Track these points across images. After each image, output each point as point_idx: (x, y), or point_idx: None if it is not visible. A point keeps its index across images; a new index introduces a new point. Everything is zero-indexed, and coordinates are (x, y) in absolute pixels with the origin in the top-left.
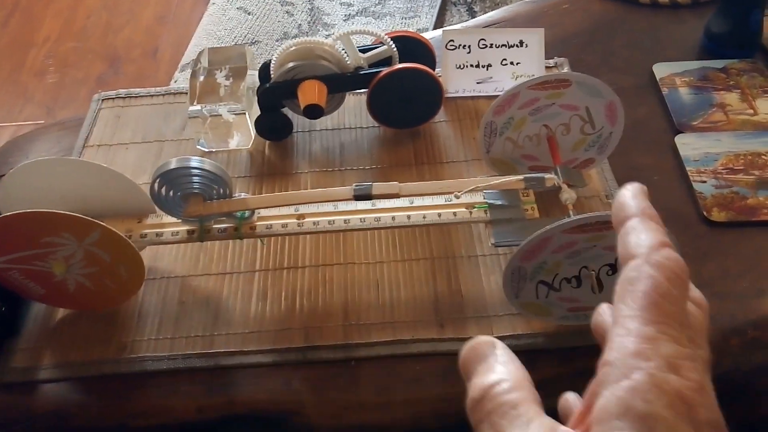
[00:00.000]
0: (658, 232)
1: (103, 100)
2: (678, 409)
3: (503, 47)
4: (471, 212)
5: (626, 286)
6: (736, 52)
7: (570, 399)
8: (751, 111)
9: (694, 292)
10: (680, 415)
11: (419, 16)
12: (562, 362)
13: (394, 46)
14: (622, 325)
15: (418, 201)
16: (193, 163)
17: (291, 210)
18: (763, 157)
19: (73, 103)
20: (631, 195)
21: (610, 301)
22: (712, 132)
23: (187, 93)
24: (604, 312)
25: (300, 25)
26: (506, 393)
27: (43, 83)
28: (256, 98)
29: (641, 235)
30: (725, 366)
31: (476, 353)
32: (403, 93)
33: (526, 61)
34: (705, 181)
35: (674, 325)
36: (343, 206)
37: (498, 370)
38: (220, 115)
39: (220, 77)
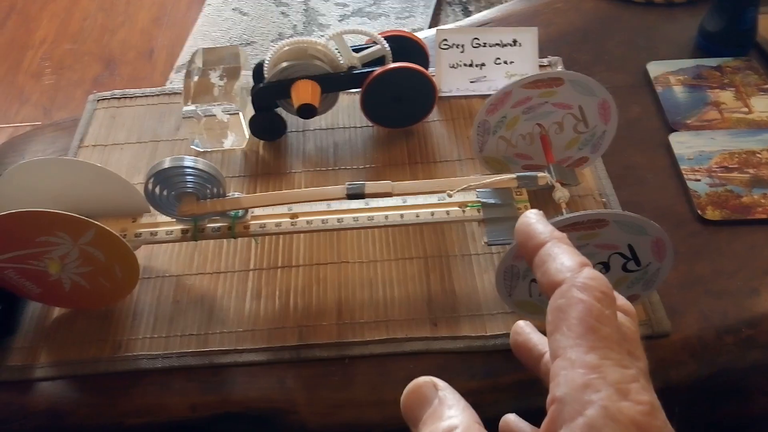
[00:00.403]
0: (574, 253)
1: (98, 100)
2: None
3: (497, 46)
4: (464, 211)
5: (558, 314)
6: (730, 50)
7: (511, 421)
8: (746, 109)
9: (620, 300)
10: None
11: (414, 16)
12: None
13: (387, 45)
14: (564, 356)
15: (411, 200)
16: (187, 163)
17: (284, 209)
18: (757, 155)
19: (70, 104)
20: (534, 220)
21: None
22: (706, 130)
23: (181, 93)
24: (523, 330)
25: (295, 25)
26: None
27: (39, 85)
28: (250, 98)
29: (560, 260)
30: (719, 364)
31: (419, 397)
32: (397, 92)
33: (520, 60)
34: (699, 180)
35: (614, 347)
36: (336, 205)
37: (446, 416)
38: (215, 115)
39: (214, 77)
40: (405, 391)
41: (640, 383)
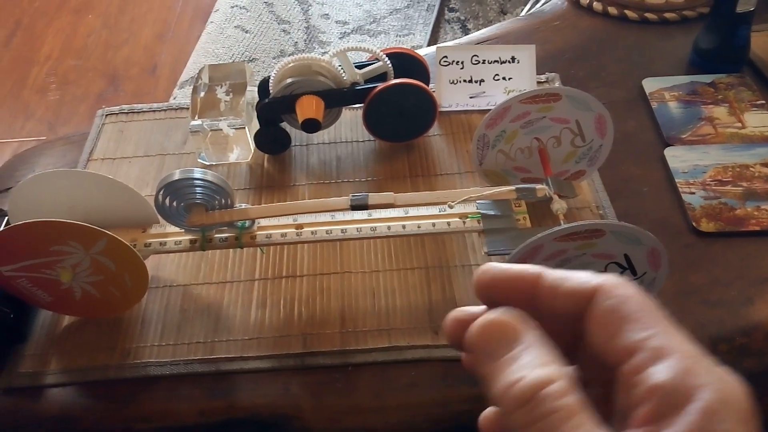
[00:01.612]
0: (579, 272)
1: (106, 115)
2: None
3: (495, 63)
4: (464, 222)
5: (612, 315)
6: (724, 66)
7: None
8: (739, 124)
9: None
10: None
11: (413, 34)
12: None
13: (389, 62)
14: (645, 347)
15: (413, 211)
16: (196, 174)
17: (290, 220)
18: (750, 169)
19: (74, 119)
20: (504, 266)
21: None
22: (700, 145)
23: (187, 108)
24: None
25: (296, 43)
26: (560, 397)
27: (44, 100)
28: (255, 113)
29: (575, 276)
30: None
31: (503, 330)
32: (398, 107)
33: (518, 76)
34: (694, 193)
35: (677, 330)
36: (340, 216)
37: (544, 361)
38: (221, 130)
39: (220, 93)
40: (482, 323)
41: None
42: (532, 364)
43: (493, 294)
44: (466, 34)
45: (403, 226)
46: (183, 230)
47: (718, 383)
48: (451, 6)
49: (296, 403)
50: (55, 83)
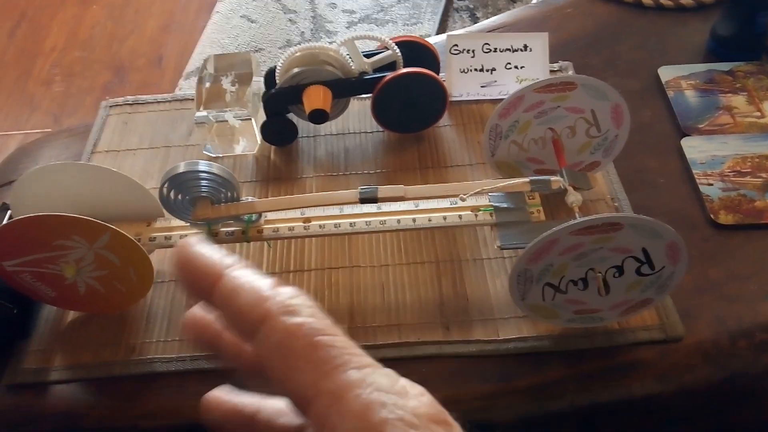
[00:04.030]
0: (258, 275)
1: (111, 107)
2: None
3: (507, 51)
4: (476, 215)
5: (280, 353)
6: (742, 54)
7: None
8: (759, 113)
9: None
10: None
11: (422, 23)
12: (569, 364)
13: (398, 50)
14: (321, 392)
15: (423, 204)
16: (202, 167)
17: (297, 213)
18: None
19: (80, 111)
20: (197, 246)
21: (617, 302)
22: (718, 135)
23: (192, 99)
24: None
25: (303, 32)
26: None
27: (49, 92)
28: (261, 104)
29: (248, 289)
30: (733, 369)
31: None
32: (408, 97)
33: (530, 65)
34: (712, 184)
35: (355, 349)
36: (348, 209)
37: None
38: (226, 121)
39: (226, 83)
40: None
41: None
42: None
43: (184, 275)
44: (476, 22)
45: (414, 220)
46: (188, 224)
47: (399, 410)
48: None
49: None
50: (60, 75)
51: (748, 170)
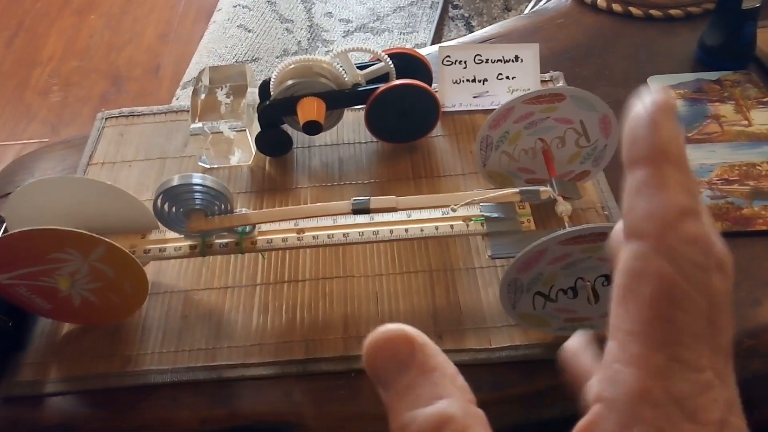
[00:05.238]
0: (678, 190)
1: (106, 118)
2: None
3: (499, 62)
4: (468, 225)
5: (628, 281)
6: (730, 63)
7: (572, 350)
8: (746, 122)
9: (717, 246)
10: None
11: (417, 32)
12: (560, 373)
13: (391, 62)
14: (623, 345)
15: (415, 214)
16: (195, 180)
17: (291, 224)
18: (757, 167)
19: (77, 120)
20: (648, 121)
21: (607, 310)
22: (706, 143)
23: (188, 111)
24: (571, 349)
25: (300, 42)
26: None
27: (47, 102)
28: (256, 115)
29: (654, 200)
30: None
31: (392, 357)
32: (401, 108)
33: (522, 75)
34: (700, 192)
35: (691, 343)
36: (342, 220)
37: (433, 395)
38: (221, 132)
39: (220, 95)
40: (370, 343)
41: (713, 393)
42: (427, 396)
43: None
44: (471, 31)
45: (406, 230)
46: (183, 236)
47: (664, 420)
48: (455, 3)
49: (298, 410)
50: (57, 85)
51: (736, 178)
